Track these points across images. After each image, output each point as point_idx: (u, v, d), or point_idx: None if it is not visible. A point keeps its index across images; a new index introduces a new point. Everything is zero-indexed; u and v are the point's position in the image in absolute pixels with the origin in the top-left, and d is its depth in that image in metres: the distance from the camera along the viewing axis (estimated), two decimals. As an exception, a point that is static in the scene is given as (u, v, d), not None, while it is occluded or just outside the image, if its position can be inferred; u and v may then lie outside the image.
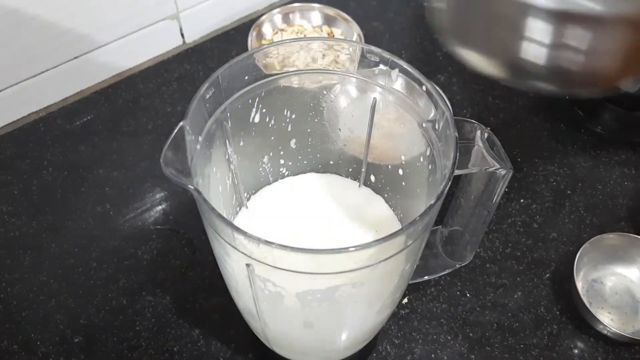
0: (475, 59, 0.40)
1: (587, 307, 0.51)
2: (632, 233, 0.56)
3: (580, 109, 0.66)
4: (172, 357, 0.51)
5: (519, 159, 0.64)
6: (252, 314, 0.41)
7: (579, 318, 0.53)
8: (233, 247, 0.34)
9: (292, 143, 0.49)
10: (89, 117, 0.67)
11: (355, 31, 0.70)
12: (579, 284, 0.53)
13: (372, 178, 0.50)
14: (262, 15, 0.71)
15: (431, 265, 0.50)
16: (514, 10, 0.35)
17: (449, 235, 0.49)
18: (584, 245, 0.54)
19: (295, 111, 0.47)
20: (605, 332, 0.51)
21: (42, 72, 0.65)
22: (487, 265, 0.56)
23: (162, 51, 0.73)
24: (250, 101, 0.43)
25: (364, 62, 0.42)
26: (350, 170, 0.51)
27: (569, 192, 0.62)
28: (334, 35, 0.71)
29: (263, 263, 0.33)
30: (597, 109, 0.65)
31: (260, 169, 0.49)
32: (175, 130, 0.35)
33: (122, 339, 0.51)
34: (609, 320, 0.52)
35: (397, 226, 0.48)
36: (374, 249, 0.33)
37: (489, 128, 0.39)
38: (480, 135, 0.39)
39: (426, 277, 0.51)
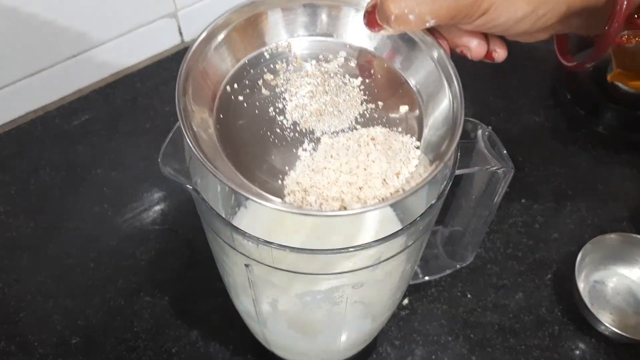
0: None
1: (588, 308, 0.51)
2: (634, 233, 0.55)
3: (582, 108, 0.66)
4: (171, 358, 0.50)
5: (519, 159, 0.64)
6: (251, 315, 0.41)
7: (580, 319, 0.53)
8: (232, 247, 0.33)
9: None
10: (87, 117, 0.66)
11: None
12: (581, 285, 0.52)
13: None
14: (261, 14, 0.71)
15: (432, 265, 0.50)
16: None
17: (449, 236, 0.48)
18: (585, 246, 0.53)
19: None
20: (607, 333, 0.50)
21: (40, 71, 0.65)
22: (488, 265, 0.56)
23: (161, 50, 0.73)
24: (249, 100, 0.43)
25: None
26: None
27: (570, 192, 0.61)
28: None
29: (262, 264, 0.33)
30: (598, 108, 0.65)
31: (260, 169, 0.49)
32: (174, 130, 0.34)
33: (120, 339, 0.51)
34: (610, 321, 0.52)
35: (398, 226, 0.48)
36: (374, 249, 0.33)
37: (490, 127, 0.39)
38: (481, 134, 0.38)
39: (427, 278, 0.50)
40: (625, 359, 0.51)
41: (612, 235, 0.55)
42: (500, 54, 0.36)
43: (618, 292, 0.54)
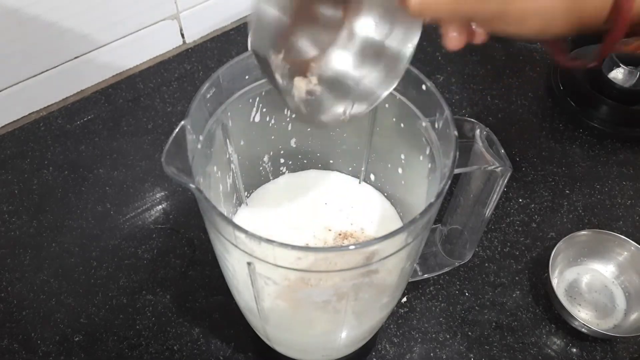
0: None
1: (562, 304, 0.51)
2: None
3: (579, 107, 0.66)
4: (172, 355, 0.51)
5: (517, 159, 0.64)
6: (253, 312, 0.41)
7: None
8: (234, 245, 0.34)
9: (292, 142, 0.49)
10: (89, 117, 0.67)
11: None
12: (555, 281, 0.52)
13: (372, 177, 0.50)
14: (261, 15, 0.72)
15: (430, 263, 0.50)
16: None
17: (448, 234, 0.49)
18: (557, 244, 0.53)
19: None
20: (583, 329, 0.51)
21: (43, 72, 0.65)
22: (486, 264, 0.57)
23: (162, 51, 0.73)
24: (250, 100, 0.43)
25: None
26: (350, 169, 0.51)
27: (567, 191, 0.62)
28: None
29: (264, 261, 0.33)
30: (595, 107, 0.65)
31: (261, 168, 0.50)
32: (177, 130, 0.35)
33: (122, 337, 0.52)
34: (586, 317, 0.53)
35: (398, 224, 0.49)
36: (374, 246, 0.33)
37: (487, 127, 0.39)
38: (479, 134, 0.39)
39: (425, 275, 0.51)
40: (620, 357, 0.52)
41: (584, 232, 0.55)
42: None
43: (594, 289, 0.55)
